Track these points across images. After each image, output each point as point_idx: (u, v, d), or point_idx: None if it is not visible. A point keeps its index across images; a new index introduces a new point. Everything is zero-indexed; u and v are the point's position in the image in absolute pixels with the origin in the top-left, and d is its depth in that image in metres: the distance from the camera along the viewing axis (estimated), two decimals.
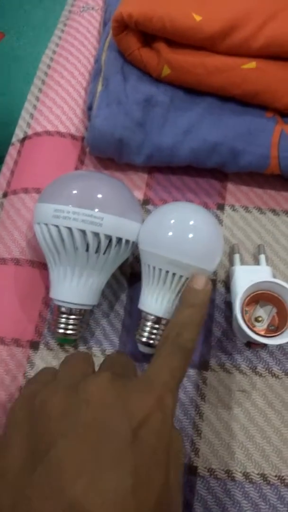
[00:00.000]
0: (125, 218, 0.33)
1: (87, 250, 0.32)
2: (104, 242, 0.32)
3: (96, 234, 0.32)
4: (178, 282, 0.32)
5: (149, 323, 0.32)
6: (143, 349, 0.34)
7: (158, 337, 0.32)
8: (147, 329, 0.32)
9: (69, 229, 0.32)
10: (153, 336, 0.32)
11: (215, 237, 0.33)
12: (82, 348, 0.36)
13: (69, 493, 0.18)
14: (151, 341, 0.32)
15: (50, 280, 0.34)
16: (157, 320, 0.32)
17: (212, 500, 0.31)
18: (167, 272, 0.31)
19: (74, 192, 0.33)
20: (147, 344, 0.32)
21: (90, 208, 0.32)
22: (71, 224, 0.31)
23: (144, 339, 0.32)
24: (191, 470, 0.32)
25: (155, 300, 0.32)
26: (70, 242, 0.32)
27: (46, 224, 0.32)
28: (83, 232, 0.32)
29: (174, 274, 0.31)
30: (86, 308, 0.34)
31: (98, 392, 0.22)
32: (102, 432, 0.20)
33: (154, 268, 0.32)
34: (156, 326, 0.32)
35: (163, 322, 0.32)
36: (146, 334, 0.32)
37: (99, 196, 0.33)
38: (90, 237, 0.32)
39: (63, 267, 0.33)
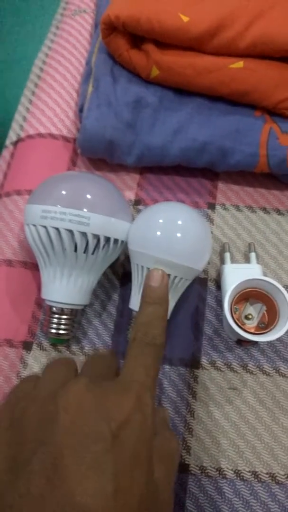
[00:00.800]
0: (113, 218, 0.33)
1: (75, 250, 0.33)
2: (92, 242, 0.32)
3: (84, 234, 0.32)
4: (170, 282, 0.32)
5: None
6: None
7: None
8: None
9: (57, 229, 0.32)
10: None
11: (203, 236, 0.33)
12: (75, 348, 0.36)
13: (52, 501, 0.18)
14: None
15: (41, 280, 0.34)
16: None
17: (204, 498, 0.31)
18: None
19: (62, 192, 0.33)
20: None
21: (77, 208, 0.32)
22: (58, 224, 0.32)
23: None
24: (182, 468, 0.32)
25: None
26: (58, 243, 0.32)
27: (35, 225, 0.33)
28: (71, 232, 0.32)
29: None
30: (78, 308, 0.35)
31: (75, 399, 0.22)
32: (81, 437, 0.20)
33: (142, 267, 0.32)
34: None
35: None
36: None
37: (87, 196, 0.33)
38: (77, 237, 0.32)
39: (53, 268, 0.33)
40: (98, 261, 0.34)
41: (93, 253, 0.33)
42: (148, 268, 0.32)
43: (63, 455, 0.19)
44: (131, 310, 0.36)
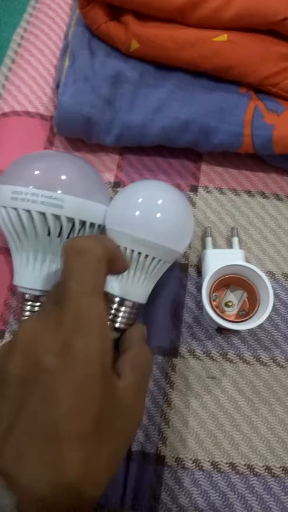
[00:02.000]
0: (89, 200, 0.31)
1: (48, 234, 0.31)
2: (66, 226, 0.31)
3: (57, 217, 0.30)
4: (144, 261, 0.30)
5: (114, 305, 0.31)
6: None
7: (125, 320, 0.31)
8: (112, 311, 0.31)
9: (28, 212, 0.30)
10: (118, 319, 0.31)
11: (184, 216, 0.31)
12: None
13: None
14: (116, 325, 0.31)
15: (13, 266, 0.33)
16: (122, 301, 0.31)
17: (179, 490, 0.30)
18: (132, 251, 0.30)
19: (35, 172, 0.31)
20: (114, 328, 0.31)
21: (50, 190, 0.30)
22: (30, 206, 0.30)
23: (108, 322, 0.31)
24: (158, 460, 0.31)
25: (119, 280, 0.31)
26: (30, 226, 0.30)
27: (5, 207, 0.31)
28: (43, 215, 0.30)
29: (139, 253, 0.30)
30: None
31: (23, 333, 0.22)
32: (31, 366, 0.21)
33: (124, 248, 0.30)
34: (122, 308, 0.31)
35: (128, 304, 0.31)
36: (111, 317, 0.31)
37: (61, 177, 0.31)
38: (50, 220, 0.30)
39: (25, 252, 0.32)
40: None
41: (68, 238, 0.31)
42: (125, 248, 0.30)
43: (14, 391, 0.21)
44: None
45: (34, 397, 0.20)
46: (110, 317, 0.31)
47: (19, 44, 0.47)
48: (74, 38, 0.39)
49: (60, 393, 0.20)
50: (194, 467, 0.30)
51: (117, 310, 0.31)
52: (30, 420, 0.20)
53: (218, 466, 0.30)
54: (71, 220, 0.31)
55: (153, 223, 0.30)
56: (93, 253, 0.24)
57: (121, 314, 0.31)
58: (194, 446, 0.31)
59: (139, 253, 0.30)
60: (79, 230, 0.32)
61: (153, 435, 0.31)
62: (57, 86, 0.40)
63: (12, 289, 0.36)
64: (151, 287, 0.32)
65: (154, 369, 0.33)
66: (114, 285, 0.31)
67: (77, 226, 0.31)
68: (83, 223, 0.31)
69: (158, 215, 0.30)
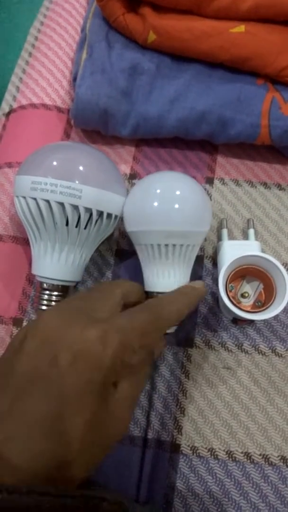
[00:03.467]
0: (106, 191, 0.32)
1: (67, 224, 0.31)
2: (84, 216, 0.31)
3: (75, 207, 0.31)
4: (179, 252, 0.30)
5: None
6: None
7: None
8: None
9: (47, 202, 0.30)
10: None
11: (202, 198, 0.31)
12: None
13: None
14: None
15: (32, 256, 0.33)
16: None
17: (195, 478, 0.30)
18: (166, 245, 0.30)
19: (53, 163, 0.31)
20: None
21: (69, 180, 0.30)
22: (49, 196, 0.30)
23: None
24: (174, 448, 0.31)
25: (161, 277, 0.31)
26: (49, 216, 0.31)
27: (24, 197, 0.31)
28: (62, 205, 0.31)
29: (173, 245, 0.30)
30: (69, 284, 0.34)
31: (42, 325, 0.23)
32: (39, 362, 0.22)
33: (152, 245, 0.30)
34: None
35: None
36: None
37: (79, 167, 0.32)
38: (69, 210, 0.30)
39: (43, 242, 0.32)
40: (91, 236, 0.32)
41: (85, 228, 0.32)
42: (158, 245, 0.30)
43: (20, 377, 0.21)
44: None
45: (39, 386, 0.21)
46: None
47: (36, 38, 0.47)
48: (92, 30, 0.39)
49: (64, 391, 0.21)
50: (209, 456, 0.31)
51: None
52: (29, 407, 0.21)
53: (233, 455, 0.30)
54: (89, 210, 0.31)
55: (175, 212, 0.30)
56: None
57: None
58: (210, 435, 0.31)
59: (173, 245, 0.30)
60: (96, 221, 0.32)
61: (169, 423, 0.31)
62: (74, 79, 0.40)
63: (30, 279, 0.36)
64: (189, 274, 0.32)
65: (170, 359, 0.33)
66: (156, 282, 0.31)
67: (94, 216, 0.31)
68: (100, 214, 0.32)
69: (177, 204, 0.30)
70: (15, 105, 0.43)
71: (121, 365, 0.23)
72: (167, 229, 0.30)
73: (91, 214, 0.31)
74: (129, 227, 0.32)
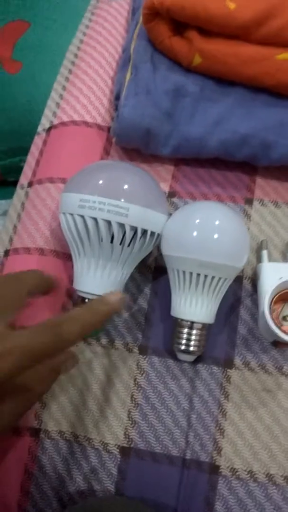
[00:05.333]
0: (151, 210, 0.32)
1: (111, 241, 0.32)
2: (129, 233, 0.31)
3: (122, 225, 0.31)
4: (210, 283, 0.31)
5: (185, 330, 0.32)
6: (182, 357, 0.33)
7: (196, 343, 0.32)
8: (184, 336, 0.32)
9: (95, 219, 0.31)
10: (191, 343, 0.32)
11: (240, 233, 0.32)
12: (104, 341, 0.35)
13: None
14: (190, 348, 0.32)
15: (74, 271, 0.34)
16: (192, 325, 0.31)
17: (234, 500, 0.30)
18: (198, 275, 0.30)
19: (100, 182, 0.32)
20: (186, 351, 0.32)
21: (116, 198, 0.31)
22: (97, 214, 0.31)
23: (182, 347, 0.32)
24: (213, 469, 0.31)
25: (188, 305, 0.31)
26: (95, 233, 0.31)
27: (72, 214, 0.32)
28: (109, 222, 0.31)
29: (205, 276, 0.30)
30: None
31: None
32: None
33: (184, 272, 0.31)
34: (194, 331, 0.32)
35: (199, 326, 0.32)
36: (183, 341, 0.32)
37: (125, 186, 0.32)
38: (115, 228, 0.31)
39: (87, 259, 0.33)
40: (134, 253, 0.33)
41: (129, 245, 0.32)
42: (190, 273, 0.31)
43: None
44: (162, 305, 0.35)
45: None
46: (183, 341, 0.32)
47: (76, 55, 0.48)
48: (137, 52, 0.40)
49: None
50: (249, 478, 0.31)
51: (189, 334, 0.32)
52: None
53: (273, 479, 0.30)
54: (133, 228, 0.32)
55: (212, 244, 0.30)
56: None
57: (193, 337, 0.32)
58: (249, 457, 0.31)
59: (205, 276, 0.30)
60: (140, 238, 0.32)
61: (208, 444, 0.32)
62: (116, 98, 0.41)
63: (69, 294, 0.37)
64: (217, 306, 0.32)
65: (208, 378, 0.33)
66: (183, 310, 0.31)
67: (139, 234, 0.32)
68: (144, 232, 0.32)
69: (216, 235, 0.31)
70: (55, 121, 0.44)
71: (11, 385, 0.23)
72: (202, 258, 0.30)
73: (135, 232, 0.32)
74: (165, 251, 0.33)
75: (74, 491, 0.31)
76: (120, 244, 0.32)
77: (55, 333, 0.25)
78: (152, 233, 0.33)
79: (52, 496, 0.31)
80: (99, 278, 0.33)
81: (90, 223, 0.31)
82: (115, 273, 0.33)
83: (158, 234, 0.33)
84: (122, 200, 0.31)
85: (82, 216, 0.31)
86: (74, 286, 0.34)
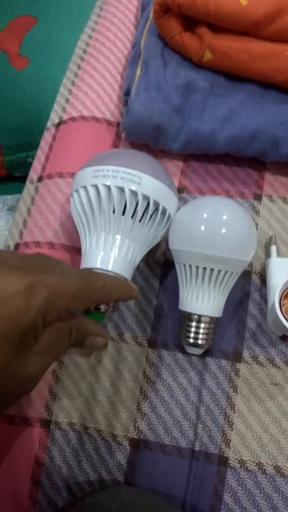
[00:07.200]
0: (163, 184, 0.32)
1: (123, 214, 0.32)
2: (141, 204, 0.31)
3: (135, 193, 0.31)
4: (217, 277, 0.31)
5: (193, 323, 0.32)
6: (191, 350, 0.33)
7: (205, 336, 0.32)
8: (192, 329, 0.32)
9: (108, 187, 0.31)
10: (200, 336, 0.32)
11: (248, 226, 0.32)
12: (113, 334, 0.35)
13: None
14: (199, 341, 0.32)
15: (82, 252, 0.33)
16: (199, 318, 0.32)
17: (242, 491, 0.31)
18: (205, 268, 0.31)
19: (114, 156, 0.33)
20: (194, 344, 0.32)
21: (129, 167, 0.32)
22: (110, 181, 0.31)
23: (191, 340, 0.32)
24: (222, 461, 0.31)
25: (196, 299, 0.32)
26: (108, 202, 0.31)
27: (85, 187, 0.32)
28: (122, 190, 0.31)
29: (211, 270, 0.31)
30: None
31: None
32: None
33: (191, 266, 0.31)
34: (202, 325, 0.32)
35: (207, 320, 0.32)
36: (192, 335, 0.32)
37: (139, 161, 0.33)
38: (128, 195, 0.31)
39: (97, 233, 0.32)
40: (144, 231, 0.33)
41: (140, 220, 0.32)
42: (197, 267, 0.31)
43: None
44: (171, 299, 0.36)
45: None
46: (192, 335, 0.32)
47: (85, 51, 0.48)
48: (147, 47, 0.40)
49: None
50: (257, 470, 0.31)
51: (197, 327, 0.32)
52: None
53: (281, 471, 0.31)
54: (146, 199, 0.32)
55: (219, 238, 0.31)
56: None
57: (201, 331, 0.32)
58: (258, 449, 0.31)
59: (211, 270, 0.31)
60: (152, 215, 0.32)
61: (217, 436, 0.32)
62: (125, 94, 0.41)
63: None
64: (225, 300, 0.33)
65: (217, 372, 0.34)
66: (190, 304, 0.32)
67: (151, 207, 0.32)
68: (155, 207, 0.32)
69: (223, 230, 0.31)
70: (65, 117, 0.44)
71: (43, 322, 0.22)
72: (209, 252, 0.30)
73: (147, 205, 0.32)
74: (173, 245, 0.33)
75: (84, 481, 0.32)
76: (132, 217, 0.32)
77: (88, 280, 0.26)
78: (164, 211, 0.33)
79: (62, 486, 0.32)
80: (108, 253, 0.32)
81: (103, 191, 0.31)
82: (125, 249, 0.32)
83: (169, 216, 0.33)
84: (136, 170, 0.32)
85: (96, 186, 0.32)
86: (82, 266, 0.33)
